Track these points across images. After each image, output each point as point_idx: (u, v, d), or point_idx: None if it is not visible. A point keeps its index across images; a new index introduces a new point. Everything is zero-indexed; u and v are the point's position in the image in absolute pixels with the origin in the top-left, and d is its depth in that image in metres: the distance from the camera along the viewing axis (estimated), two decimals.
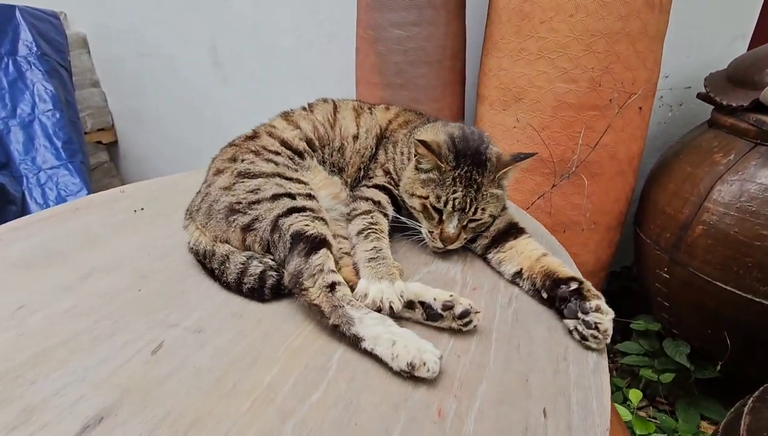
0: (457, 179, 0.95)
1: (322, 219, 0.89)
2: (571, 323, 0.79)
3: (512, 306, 0.85)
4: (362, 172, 1.14)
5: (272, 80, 2.79)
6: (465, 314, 0.76)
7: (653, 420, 1.60)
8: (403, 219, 1.05)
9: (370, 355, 0.71)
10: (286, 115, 1.20)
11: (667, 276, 1.65)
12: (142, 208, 1.19)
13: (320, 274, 0.79)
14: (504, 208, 1.06)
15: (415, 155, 1.00)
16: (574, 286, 0.82)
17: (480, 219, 0.98)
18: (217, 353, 0.70)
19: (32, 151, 2.65)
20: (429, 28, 1.92)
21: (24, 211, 2.50)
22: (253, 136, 1.12)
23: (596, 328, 0.75)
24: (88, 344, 0.72)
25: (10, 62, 2.59)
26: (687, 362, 1.57)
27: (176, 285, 0.87)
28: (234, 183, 0.96)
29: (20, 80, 2.62)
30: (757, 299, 1.39)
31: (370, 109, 1.26)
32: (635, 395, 1.48)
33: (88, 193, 2.58)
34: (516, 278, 0.92)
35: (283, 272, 0.83)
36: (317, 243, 0.83)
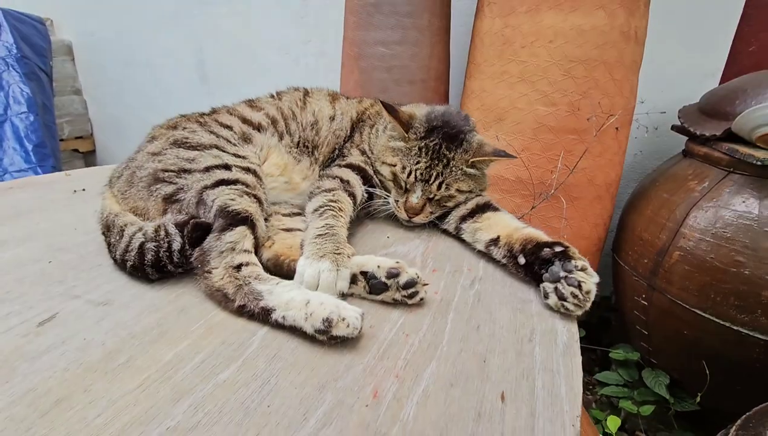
0: (423, 150, 0.92)
1: (254, 196, 0.79)
2: (550, 285, 0.71)
3: (475, 288, 0.77)
4: (336, 153, 1.08)
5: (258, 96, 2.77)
6: (410, 283, 0.68)
7: None
8: (376, 191, 1.00)
9: (289, 329, 0.61)
10: (250, 102, 1.15)
11: (645, 303, 1.59)
12: (83, 189, 1.10)
13: (230, 253, 0.69)
14: (483, 190, 1.01)
15: (389, 123, 0.97)
16: (559, 248, 0.75)
17: (447, 193, 0.93)
18: (117, 327, 0.59)
19: (0, 153, 2.54)
20: (413, 49, 1.92)
21: None
22: (211, 112, 1.07)
23: (579, 287, 0.67)
24: None
25: None
26: (666, 393, 1.48)
27: (94, 258, 0.78)
28: (165, 149, 0.86)
29: None
30: (735, 327, 1.32)
31: (346, 97, 1.24)
32: (614, 423, 1.37)
33: None
34: (490, 245, 0.85)
35: (164, 244, 0.71)
36: (238, 220, 0.73)
